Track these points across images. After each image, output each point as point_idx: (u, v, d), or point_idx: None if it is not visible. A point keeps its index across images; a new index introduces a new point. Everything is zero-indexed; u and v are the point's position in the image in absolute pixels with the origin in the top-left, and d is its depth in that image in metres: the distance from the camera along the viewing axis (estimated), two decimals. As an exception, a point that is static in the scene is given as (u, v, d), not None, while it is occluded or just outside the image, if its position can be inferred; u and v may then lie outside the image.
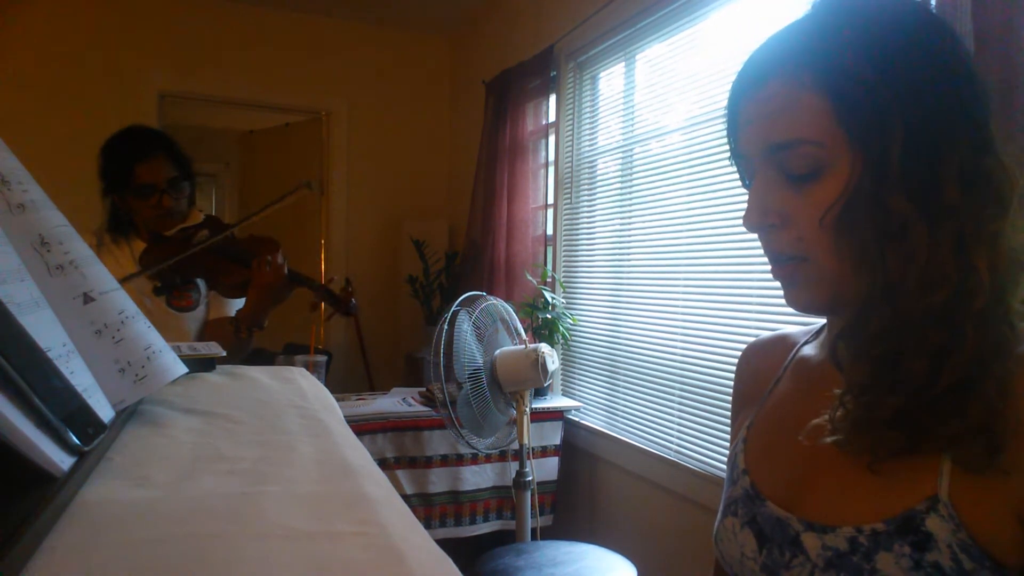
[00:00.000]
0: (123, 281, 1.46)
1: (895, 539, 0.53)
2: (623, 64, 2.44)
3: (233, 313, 1.76)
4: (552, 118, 2.81)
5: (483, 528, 2.39)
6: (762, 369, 0.77)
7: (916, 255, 0.53)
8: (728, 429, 0.81)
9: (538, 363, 1.92)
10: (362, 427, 2.20)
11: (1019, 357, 0.52)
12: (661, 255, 2.15)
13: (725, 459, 0.76)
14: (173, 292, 1.68)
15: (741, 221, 0.63)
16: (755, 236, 0.63)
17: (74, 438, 0.41)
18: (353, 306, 1.64)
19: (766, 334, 0.83)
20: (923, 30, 0.55)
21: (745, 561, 0.66)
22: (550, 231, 2.85)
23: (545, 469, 2.49)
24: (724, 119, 0.64)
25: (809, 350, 0.72)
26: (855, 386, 0.57)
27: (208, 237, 1.57)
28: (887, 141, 0.53)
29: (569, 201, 2.74)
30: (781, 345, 0.77)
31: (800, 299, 0.62)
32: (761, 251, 0.64)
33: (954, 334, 0.52)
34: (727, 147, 0.64)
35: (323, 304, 1.68)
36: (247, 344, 1.68)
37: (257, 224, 1.66)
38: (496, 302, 2.13)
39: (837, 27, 0.56)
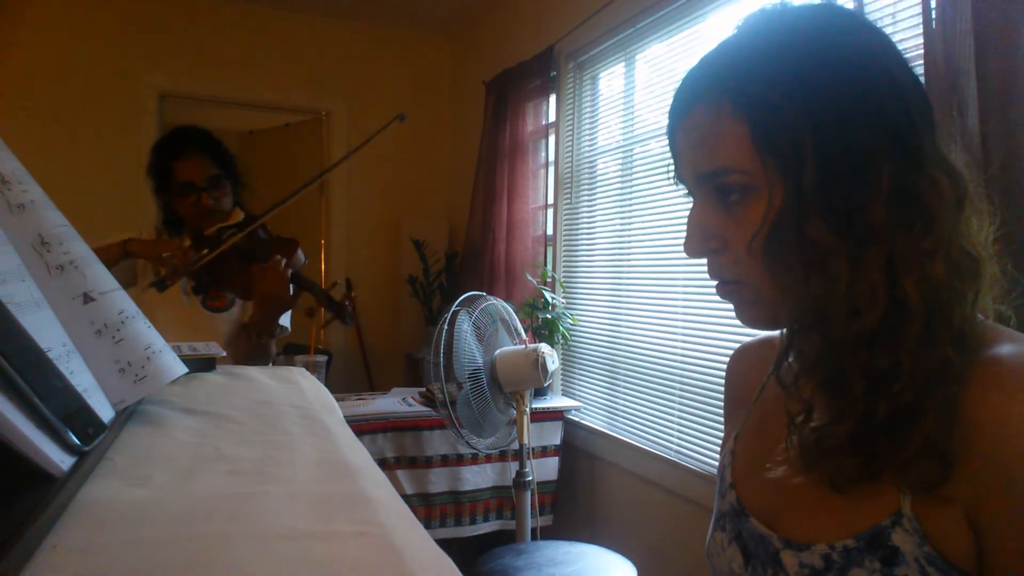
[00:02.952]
0: (153, 285, 1.46)
1: (865, 555, 0.53)
2: (623, 64, 2.44)
3: None
4: (552, 118, 2.81)
5: (483, 528, 2.39)
6: (749, 374, 0.77)
7: (839, 281, 0.52)
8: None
9: (538, 363, 1.92)
10: (362, 427, 2.20)
11: (965, 373, 0.51)
12: (661, 255, 2.15)
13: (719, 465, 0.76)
14: (208, 292, 1.67)
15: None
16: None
17: (74, 438, 0.41)
18: (350, 315, 1.60)
19: (755, 336, 0.82)
20: (845, 49, 0.53)
21: None
22: (550, 231, 2.85)
23: (545, 469, 2.49)
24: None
25: None
26: (800, 411, 0.57)
27: (233, 235, 1.56)
28: (800, 166, 0.52)
29: (569, 201, 2.74)
30: (768, 347, 0.76)
31: (745, 317, 0.62)
32: None
33: (891, 358, 0.52)
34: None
35: (322, 310, 1.67)
36: (268, 350, 1.66)
37: (275, 222, 1.65)
38: (496, 302, 2.13)
39: (755, 49, 0.55)
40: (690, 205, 0.61)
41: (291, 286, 1.59)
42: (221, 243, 1.54)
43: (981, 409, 0.50)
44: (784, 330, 0.62)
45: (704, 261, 0.62)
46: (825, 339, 0.54)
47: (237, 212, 1.74)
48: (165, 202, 1.71)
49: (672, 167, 0.63)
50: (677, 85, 0.60)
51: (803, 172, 0.52)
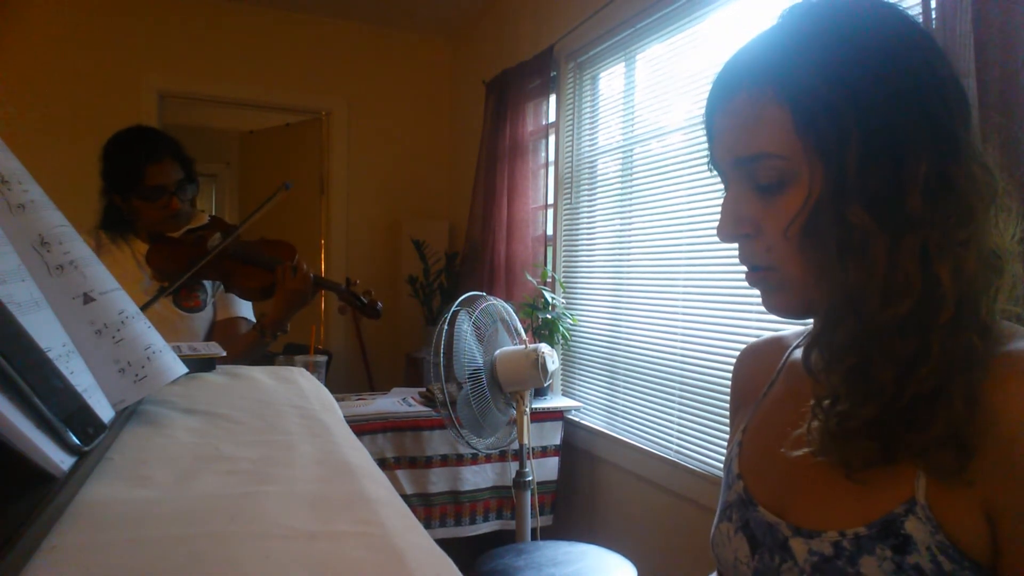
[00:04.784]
0: (152, 302, 1.47)
1: (877, 543, 0.54)
2: (623, 64, 2.44)
3: (240, 314, 1.77)
4: (552, 118, 2.80)
5: (483, 528, 2.39)
6: (757, 372, 0.78)
7: (876, 267, 0.53)
8: (728, 429, 0.82)
9: (538, 363, 1.92)
10: (362, 427, 2.20)
11: (987, 365, 0.52)
12: (661, 255, 2.15)
13: (725, 459, 0.76)
14: (181, 292, 1.68)
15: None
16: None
17: (74, 438, 0.41)
18: (380, 308, 1.66)
19: (762, 336, 0.83)
20: (888, 40, 0.54)
21: (739, 566, 0.66)
22: (550, 231, 2.85)
23: (545, 469, 2.49)
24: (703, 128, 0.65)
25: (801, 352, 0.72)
26: (827, 396, 0.58)
27: (220, 239, 1.58)
28: (843, 153, 0.53)
29: (569, 201, 2.74)
30: (776, 347, 0.77)
31: (774, 304, 0.62)
32: None
33: (920, 344, 0.52)
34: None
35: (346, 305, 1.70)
36: (266, 346, 1.70)
37: (261, 226, 1.67)
38: (496, 302, 2.13)
39: (800, 38, 0.56)
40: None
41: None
42: (199, 245, 1.57)
43: (1001, 400, 0.50)
44: (812, 318, 0.63)
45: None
46: (859, 325, 0.55)
47: (202, 215, 1.75)
48: (120, 204, 1.69)
49: (708, 154, 0.64)
50: (717, 72, 0.61)
51: (845, 158, 0.53)
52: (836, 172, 0.54)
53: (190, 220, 1.71)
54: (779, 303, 0.62)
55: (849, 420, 0.55)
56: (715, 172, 0.64)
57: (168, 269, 1.57)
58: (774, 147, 0.56)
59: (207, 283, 1.74)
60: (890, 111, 0.53)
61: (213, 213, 1.80)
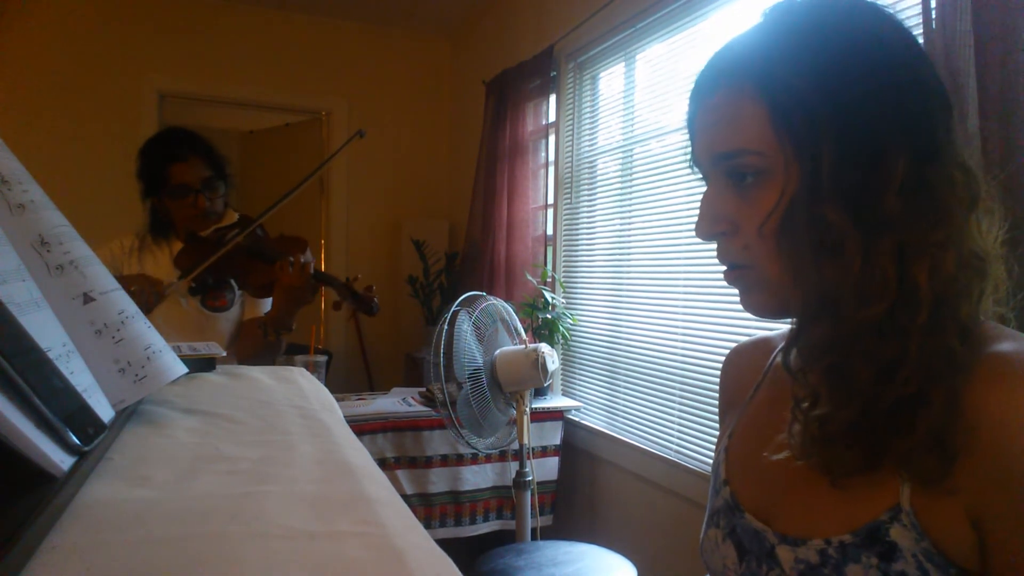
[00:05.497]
0: (140, 296, 1.46)
1: (862, 551, 0.53)
2: (623, 64, 2.44)
3: (264, 312, 1.77)
4: (552, 118, 2.81)
5: (483, 528, 2.39)
6: (743, 375, 0.77)
7: (851, 267, 0.53)
8: (725, 430, 0.82)
9: (538, 363, 1.92)
10: (362, 427, 2.20)
11: (970, 368, 0.51)
12: (661, 255, 2.15)
13: (712, 464, 0.76)
14: (208, 292, 1.68)
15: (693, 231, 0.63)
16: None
17: (74, 438, 0.41)
18: (376, 305, 1.64)
19: (749, 338, 0.82)
20: (868, 40, 0.54)
21: (727, 573, 0.66)
22: (550, 231, 2.85)
23: (545, 469, 2.49)
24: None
25: None
26: (806, 397, 0.57)
27: (235, 236, 1.58)
28: (819, 151, 0.53)
29: (569, 201, 2.74)
30: (762, 349, 0.77)
31: (751, 303, 0.62)
32: None
33: (899, 347, 0.52)
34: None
35: (343, 303, 1.69)
36: (277, 346, 1.69)
37: (277, 222, 1.67)
38: (496, 302, 2.13)
39: (780, 36, 0.56)
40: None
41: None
42: (223, 244, 1.56)
43: (984, 404, 0.50)
44: (792, 318, 0.62)
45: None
46: (834, 326, 0.54)
47: (231, 213, 1.76)
48: (156, 205, 1.71)
49: (689, 152, 0.64)
50: (700, 69, 0.61)
51: (820, 156, 0.53)
52: (811, 170, 0.53)
53: (221, 219, 1.72)
54: (756, 302, 0.61)
55: (829, 423, 0.54)
56: (696, 170, 0.64)
57: (190, 269, 1.58)
58: (751, 143, 0.56)
59: (235, 282, 1.74)
60: (867, 110, 0.52)
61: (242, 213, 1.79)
